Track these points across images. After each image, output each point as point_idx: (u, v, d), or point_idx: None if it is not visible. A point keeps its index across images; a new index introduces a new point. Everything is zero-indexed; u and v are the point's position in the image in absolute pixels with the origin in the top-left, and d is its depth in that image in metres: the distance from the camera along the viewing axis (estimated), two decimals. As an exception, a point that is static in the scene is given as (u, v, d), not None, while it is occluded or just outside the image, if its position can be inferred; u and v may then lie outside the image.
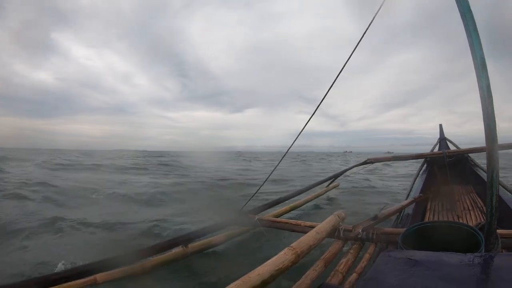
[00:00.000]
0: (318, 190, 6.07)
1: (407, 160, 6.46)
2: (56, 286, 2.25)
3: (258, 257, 3.37)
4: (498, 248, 1.63)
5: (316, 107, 2.68)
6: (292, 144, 2.90)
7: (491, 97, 1.45)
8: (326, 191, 6.59)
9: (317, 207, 6.44)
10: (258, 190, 3.41)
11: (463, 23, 1.52)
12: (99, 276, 2.68)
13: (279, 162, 3.29)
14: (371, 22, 2.11)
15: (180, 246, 3.28)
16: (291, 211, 5.00)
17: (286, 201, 4.40)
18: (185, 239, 3.09)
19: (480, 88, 1.48)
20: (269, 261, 1.49)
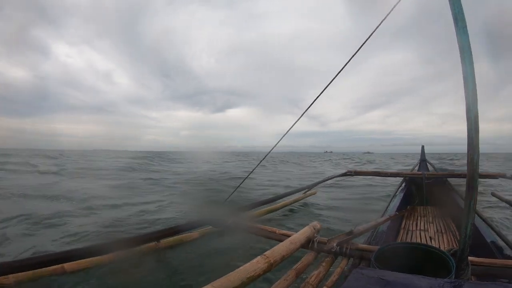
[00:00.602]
0: (296, 195, 6.18)
1: (386, 177, 6.61)
2: (23, 273, 2.17)
3: (226, 259, 3.39)
4: (468, 275, 1.67)
5: (302, 111, 2.68)
6: (274, 146, 2.91)
7: (478, 130, 1.48)
8: (304, 198, 6.69)
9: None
10: (234, 191, 3.40)
11: (454, 23, 1.55)
12: (67, 265, 2.61)
13: (258, 164, 3.30)
14: (378, 25, 2.11)
15: (154, 242, 3.23)
16: (268, 214, 5.04)
17: (264, 205, 4.41)
18: (158, 235, 3.04)
19: (468, 116, 1.51)
20: (241, 267, 1.46)
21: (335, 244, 2.15)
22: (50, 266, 2.31)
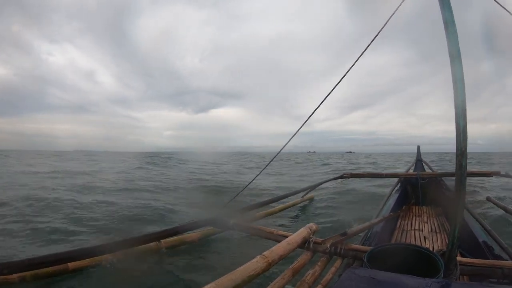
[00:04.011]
0: (294, 199, 6.26)
1: (381, 178, 6.69)
2: (29, 272, 2.27)
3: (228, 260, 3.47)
4: (456, 275, 1.76)
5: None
6: (279, 151, 2.98)
7: (466, 135, 1.58)
8: (302, 201, 6.77)
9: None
10: (238, 194, 3.48)
11: (443, 23, 1.63)
12: (71, 265, 2.70)
13: (262, 170, 3.37)
14: (381, 28, 2.18)
15: (155, 242, 3.31)
16: (266, 217, 5.13)
17: (262, 207, 4.50)
18: (159, 235, 3.12)
19: (457, 126, 1.61)
20: (241, 267, 1.56)
21: (329, 245, 2.25)
22: (54, 265, 2.41)
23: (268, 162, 3.40)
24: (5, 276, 2.18)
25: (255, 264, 1.61)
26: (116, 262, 3.06)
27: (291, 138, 2.91)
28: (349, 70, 2.48)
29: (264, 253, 1.73)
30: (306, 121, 2.86)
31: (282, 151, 3.03)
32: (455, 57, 1.59)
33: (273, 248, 1.84)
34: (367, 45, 2.31)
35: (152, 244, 3.34)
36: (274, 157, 3.32)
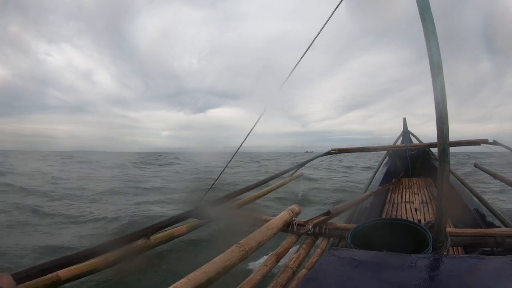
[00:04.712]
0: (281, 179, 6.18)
1: (370, 151, 6.64)
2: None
3: (212, 250, 3.43)
4: (447, 247, 1.64)
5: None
6: (239, 147, 2.84)
7: (445, 102, 1.47)
8: (290, 180, 6.69)
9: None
10: (213, 184, 3.38)
11: (422, 25, 1.51)
12: (61, 273, 2.55)
13: (227, 164, 3.27)
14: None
15: (143, 239, 3.20)
16: (256, 201, 5.03)
17: (249, 192, 4.39)
18: (147, 232, 3.01)
19: (435, 89, 1.50)
20: (216, 258, 1.45)
21: (311, 226, 2.15)
22: (41, 276, 2.26)
23: (230, 159, 3.30)
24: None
25: (230, 254, 1.50)
26: (109, 265, 3.02)
27: (249, 133, 2.74)
28: (314, 39, 2.30)
29: (241, 241, 1.62)
30: (263, 114, 2.65)
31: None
32: (437, 72, 1.47)
33: (251, 235, 1.72)
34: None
35: (141, 242, 3.24)
36: (235, 154, 3.21)
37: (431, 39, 1.48)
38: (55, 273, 2.47)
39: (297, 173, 6.90)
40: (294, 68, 2.24)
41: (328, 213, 2.25)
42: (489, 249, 1.91)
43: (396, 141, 7.81)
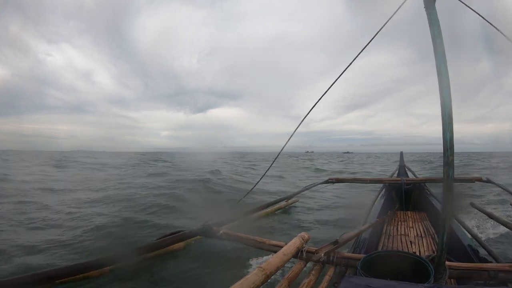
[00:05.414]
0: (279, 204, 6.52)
1: (366, 183, 6.84)
2: None
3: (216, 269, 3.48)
4: (445, 278, 1.86)
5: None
6: (279, 152, 2.98)
7: (453, 147, 1.66)
8: (287, 205, 6.99)
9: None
10: (239, 201, 3.52)
11: (430, 29, 1.71)
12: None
13: (268, 169, 3.39)
14: (380, 29, 2.22)
15: (143, 254, 3.26)
16: (253, 223, 5.19)
17: (251, 213, 4.51)
18: (148, 248, 3.07)
19: (444, 137, 1.69)
20: (241, 280, 1.57)
21: (322, 254, 2.29)
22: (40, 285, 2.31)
23: (269, 166, 3.42)
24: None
25: (254, 277, 1.62)
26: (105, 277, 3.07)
27: (289, 139, 2.91)
28: (343, 72, 2.47)
29: (262, 265, 1.75)
30: (303, 120, 2.84)
31: (282, 151, 3.05)
32: (443, 72, 1.68)
33: (270, 259, 1.86)
34: (362, 48, 2.32)
35: (141, 257, 3.29)
36: (275, 159, 3.33)
37: (443, 78, 1.68)
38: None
39: (293, 200, 7.13)
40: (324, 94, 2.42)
41: (336, 242, 2.39)
42: (482, 282, 2.08)
43: (393, 174, 8.07)
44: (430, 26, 1.72)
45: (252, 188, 3.54)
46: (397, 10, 2.15)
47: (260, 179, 3.50)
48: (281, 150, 3.01)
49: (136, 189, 9.47)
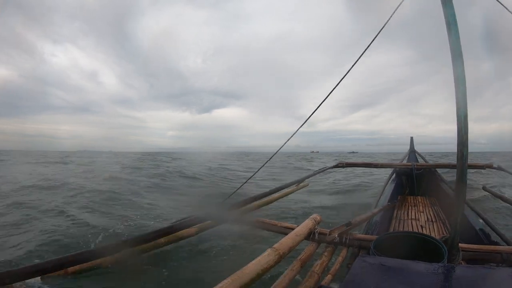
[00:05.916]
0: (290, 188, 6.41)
1: (377, 168, 6.78)
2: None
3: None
4: (458, 260, 1.85)
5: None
6: (275, 153, 2.97)
7: (467, 127, 1.62)
8: (297, 189, 6.88)
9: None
10: (239, 187, 3.50)
11: (446, 24, 1.66)
12: (71, 269, 2.66)
13: (261, 167, 3.39)
14: (380, 30, 2.18)
15: (153, 242, 3.29)
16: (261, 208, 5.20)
17: (260, 199, 4.53)
18: (158, 234, 3.09)
19: (458, 114, 1.65)
20: (255, 260, 1.57)
21: (336, 235, 2.28)
22: (52, 272, 2.36)
23: (265, 162, 3.44)
24: (7, 286, 2.13)
25: (267, 257, 1.62)
26: (116, 265, 3.09)
27: (290, 138, 2.91)
28: (347, 72, 2.49)
29: (275, 246, 1.74)
30: (306, 120, 2.87)
31: (286, 151, 3.05)
32: (457, 55, 1.63)
33: (283, 240, 1.85)
34: (365, 48, 2.32)
35: (150, 244, 3.32)
36: (271, 157, 3.35)
37: (456, 59, 1.63)
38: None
39: (303, 183, 7.08)
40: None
41: (349, 224, 2.38)
42: (495, 264, 2.07)
43: (403, 159, 8.02)
44: (444, 13, 1.66)
45: (245, 182, 3.56)
46: (396, 9, 2.09)
47: (257, 171, 3.52)
48: (279, 150, 3.01)
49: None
